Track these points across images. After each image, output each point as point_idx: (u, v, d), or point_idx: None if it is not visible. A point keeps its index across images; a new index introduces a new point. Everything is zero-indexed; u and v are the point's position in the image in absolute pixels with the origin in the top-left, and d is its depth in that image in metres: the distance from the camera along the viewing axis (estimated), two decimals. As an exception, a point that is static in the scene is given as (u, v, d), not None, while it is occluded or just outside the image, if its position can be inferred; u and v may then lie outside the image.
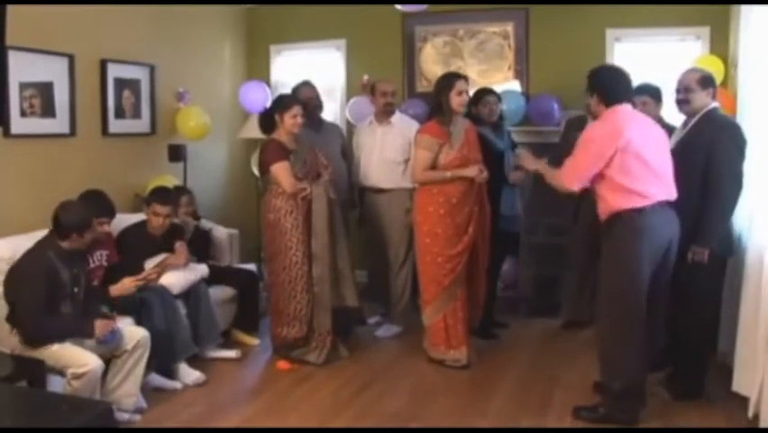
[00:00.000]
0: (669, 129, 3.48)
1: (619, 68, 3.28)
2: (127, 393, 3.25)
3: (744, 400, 3.21)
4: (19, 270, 3.13)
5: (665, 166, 3.12)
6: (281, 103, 4.12)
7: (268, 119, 4.15)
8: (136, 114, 4.92)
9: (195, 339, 3.95)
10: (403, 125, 4.56)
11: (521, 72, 5.38)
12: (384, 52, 5.68)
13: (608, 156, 3.04)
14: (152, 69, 5.01)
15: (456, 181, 3.90)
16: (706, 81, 3.34)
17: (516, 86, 5.27)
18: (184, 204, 4.42)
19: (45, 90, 4.17)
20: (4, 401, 2.33)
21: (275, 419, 3.35)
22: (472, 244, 3.95)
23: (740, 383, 3.28)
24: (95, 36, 4.51)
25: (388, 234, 4.58)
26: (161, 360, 3.59)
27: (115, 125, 4.72)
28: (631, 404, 3.19)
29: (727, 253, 3.41)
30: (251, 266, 4.86)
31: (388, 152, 4.54)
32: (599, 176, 3.12)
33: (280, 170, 3.95)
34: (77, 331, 3.15)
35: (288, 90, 4.81)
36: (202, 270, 4.17)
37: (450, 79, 3.96)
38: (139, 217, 4.18)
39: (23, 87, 4.02)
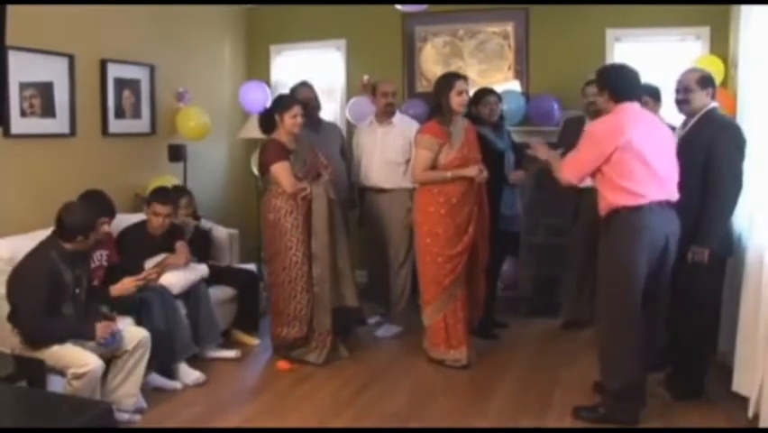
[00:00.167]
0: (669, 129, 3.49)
1: (628, 66, 3.25)
2: (127, 393, 3.25)
3: (744, 400, 3.21)
4: (22, 271, 3.13)
5: (667, 167, 3.11)
6: (281, 103, 4.12)
7: (268, 119, 4.15)
8: (136, 114, 4.92)
9: (195, 339, 3.95)
10: (404, 126, 4.56)
11: (521, 72, 5.38)
12: (384, 52, 5.68)
13: (607, 153, 3.05)
14: (152, 69, 5.01)
15: (456, 181, 3.90)
16: (705, 81, 3.34)
17: (516, 86, 5.27)
18: (184, 205, 4.43)
19: (45, 90, 4.17)
20: (4, 401, 2.33)
21: (275, 419, 3.35)
22: (472, 244, 3.96)
23: (740, 383, 3.28)
24: (95, 36, 4.51)
25: (388, 234, 4.58)
26: (161, 360, 3.59)
27: (115, 125, 4.72)
28: (631, 404, 3.19)
29: (727, 252, 3.41)
30: (251, 266, 4.87)
31: (389, 152, 4.54)
32: (599, 172, 3.13)
33: (280, 170, 3.95)
34: (79, 333, 3.15)
35: (287, 90, 4.81)
36: (202, 270, 4.17)
37: (450, 79, 3.96)
38: (139, 217, 4.18)
39: (23, 87, 4.02)
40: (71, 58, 4.31)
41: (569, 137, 4.30)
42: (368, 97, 4.92)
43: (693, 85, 3.33)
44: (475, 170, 3.89)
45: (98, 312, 3.39)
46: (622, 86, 3.16)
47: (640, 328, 3.10)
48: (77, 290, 3.23)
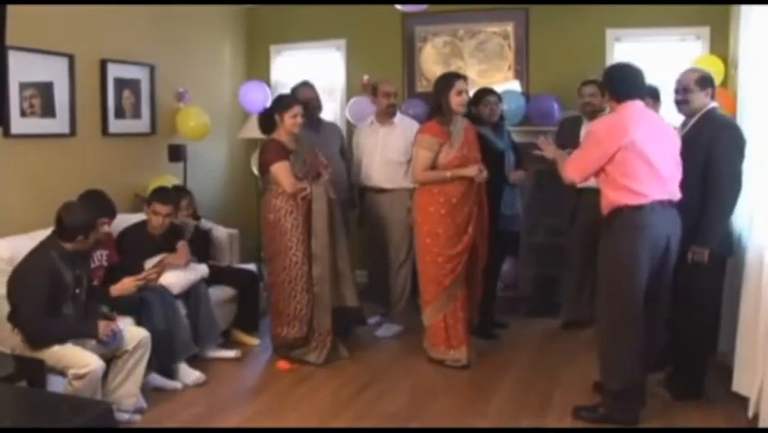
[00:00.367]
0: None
1: (630, 65, 3.24)
2: (127, 393, 3.25)
3: (744, 400, 3.21)
4: (22, 271, 3.13)
5: (670, 166, 3.11)
6: (281, 103, 4.12)
7: (268, 119, 4.15)
8: (136, 114, 4.92)
9: (195, 339, 3.95)
10: (405, 126, 4.57)
11: (521, 72, 5.38)
12: (384, 52, 5.68)
13: (611, 153, 3.05)
14: (152, 69, 5.01)
15: (456, 181, 3.90)
16: (704, 81, 3.34)
17: (516, 86, 5.28)
18: (184, 206, 4.43)
19: (45, 90, 4.17)
20: (4, 401, 2.33)
21: (275, 419, 3.35)
22: (472, 244, 3.96)
23: (740, 383, 3.28)
24: (95, 36, 4.51)
25: (389, 234, 4.58)
26: (161, 360, 3.59)
27: (115, 125, 4.72)
28: (631, 404, 3.18)
29: (727, 252, 3.41)
30: (251, 266, 4.87)
31: (390, 152, 4.54)
32: (601, 171, 3.13)
33: (280, 170, 3.95)
34: (80, 332, 3.15)
35: (287, 90, 4.81)
36: (202, 270, 4.17)
37: (449, 79, 3.96)
38: (139, 217, 4.18)
39: (23, 87, 4.02)
40: (71, 58, 4.31)
41: (565, 137, 4.30)
42: (368, 97, 4.92)
43: (692, 85, 3.33)
44: (475, 170, 3.89)
45: (98, 312, 3.39)
46: (623, 85, 3.16)
47: (640, 328, 3.10)
48: (78, 290, 3.22)
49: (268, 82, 5.90)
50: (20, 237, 3.58)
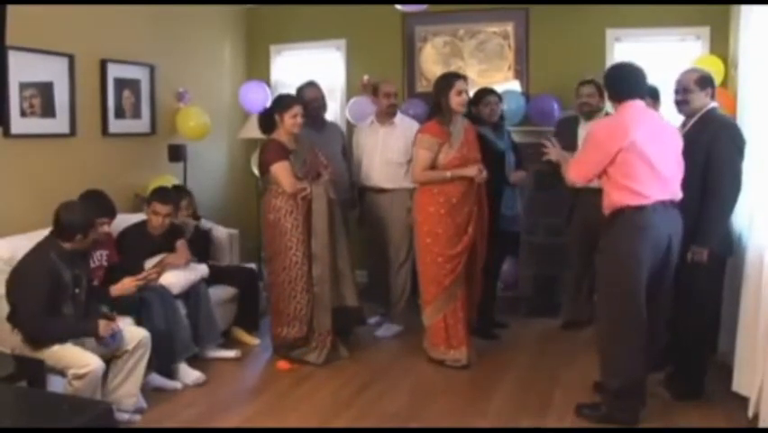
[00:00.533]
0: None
1: (630, 64, 3.23)
2: (127, 393, 3.25)
3: (744, 400, 3.21)
4: (21, 271, 3.13)
5: (671, 166, 3.10)
6: (281, 103, 4.12)
7: (268, 119, 4.15)
8: (136, 114, 4.92)
9: (195, 339, 3.95)
10: (405, 126, 4.57)
11: (521, 72, 5.38)
12: (384, 52, 5.68)
13: (611, 154, 3.04)
14: (152, 69, 5.01)
15: (456, 181, 3.90)
16: (704, 81, 3.34)
17: (516, 86, 5.28)
18: (184, 206, 4.43)
19: (45, 90, 4.17)
20: (4, 401, 2.33)
21: (275, 419, 3.35)
22: (472, 244, 3.95)
23: (740, 383, 3.28)
24: (95, 36, 4.51)
25: (389, 233, 4.59)
26: (161, 360, 3.59)
27: (115, 125, 4.72)
28: (631, 404, 3.18)
29: (727, 252, 3.41)
30: (251, 264, 4.86)
31: (391, 152, 4.54)
32: (603, 172, 3.12)
33: (280, 170, 3.95)
34: (80, 331, 3.15)
35: (287, 90, 4.81)
36: (202, 270, 4.17)
37: (449, 79, 3.96)
38: (139, 217, 4.18)
39: (23, 87, 4.02)
40: (71, 58, 4.31)
41: (562, 137, 4.30)
42: (368, 97, 4.92)
43: (692, 85, 3.33)
44: (475, 170, 3.89)
45: (98, 312, 3.39)
46: (623, 84, 3.15)
47: (640, 328, 3.09)
48: (77, 290, 3.22)
49: (268, 82, 5.90)
50: (20, 237, 3.58)
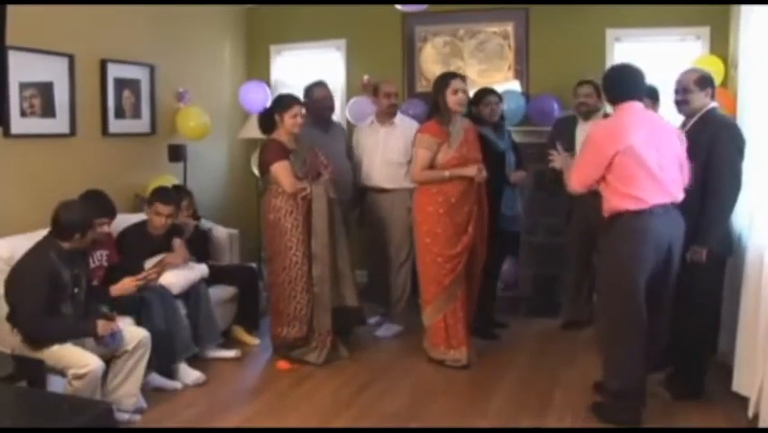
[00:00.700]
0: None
1: (628, 65, 3.21)
2: (127, 393, 3.25)
3: (744, 400, 3.21)
4: (20, 271, 3.13)
5: (672, 169, 3.08)
6: (281, 103, 4.12)
7: (267, 119, 4.15)
8: (136, 114, 4.92)
9: (195, 339, 3.95)
10: (405, 126, 4.57)
11: (521, 72, 5.38)
12: (384, 52, 5.68)
13: (609, 158, 3.03)
14: (152, 69, 5.01)
15: (455, 181, 3.90)
16: (704, 81, 3.34)
17: (516, 86, 5.28)
18: (184, 206, 4.42)
19: (45, 90, 4.17)
20: (4, 401, 2.33)
21: (275, 419, 3.35)
22: (472, 244, 3.95)
23: (740, 383, 3.28)
24: (95, 36, 4.51)
25: (389, 233, 4.59)
26: (161, 360, 3.59)
27: (115, 125, 4.71)
28: (631, 404, 3.18)
29: (727, 252, 3.41)
30: (251, 263, 4.87)
31: (391, 152, 4.55)
32: (602, 179, 3.11)
33: (280, 170, 3.95)
34: (79, 331, 3.15)
35: (287, 90, 4.81)
36: (202, 269, 4.17)
37: (446, 79, 3.97)
38: (139, 217, 4.18)
39: (23, 87, 4.02)
40: (71, 58, 4.31)
41: (560, 137, 4.30)
42: (368, 97, 4.92)
43: (692, 85, 3.33)
44: (474, 170, 3.89)
45: (98, 312, 3.39)
46: (621, 86, 3.14)
47: (641, 328, 3.09)
48: (76, 290, 3.22)
49: (268, 82, 5.90)
50: (19, 237, 3.58)
